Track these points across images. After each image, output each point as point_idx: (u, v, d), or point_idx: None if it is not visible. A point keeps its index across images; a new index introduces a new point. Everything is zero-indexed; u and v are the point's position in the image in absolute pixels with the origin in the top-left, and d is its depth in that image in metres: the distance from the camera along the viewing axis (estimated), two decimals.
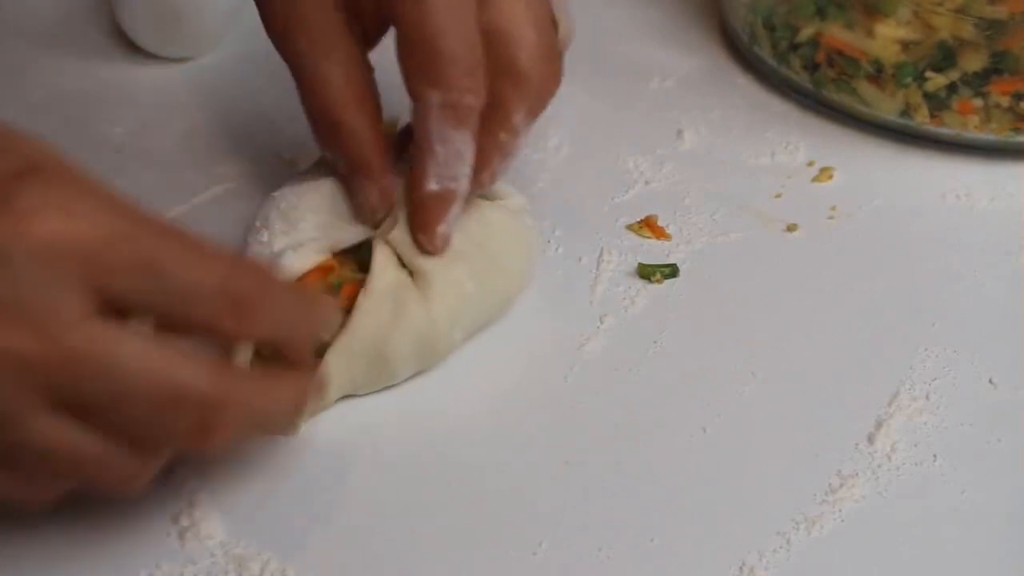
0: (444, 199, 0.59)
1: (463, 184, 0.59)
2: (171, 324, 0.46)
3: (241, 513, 0.54)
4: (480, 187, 0.60)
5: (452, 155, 0.58)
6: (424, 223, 0.59)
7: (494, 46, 0.58)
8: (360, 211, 0.60)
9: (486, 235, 0.61)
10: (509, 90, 0.59)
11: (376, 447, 0.57)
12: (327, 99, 0.60)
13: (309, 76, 0.60)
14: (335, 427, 0.58)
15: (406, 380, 0.60)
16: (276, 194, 0.62)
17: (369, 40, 0.61)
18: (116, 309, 0.45)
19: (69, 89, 0.76)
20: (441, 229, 0.59)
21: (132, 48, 0.78)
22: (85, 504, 0.54)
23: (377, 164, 0.60)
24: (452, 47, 0.56)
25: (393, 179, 0.60)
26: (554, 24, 0.61)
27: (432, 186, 0.58)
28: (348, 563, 0.53)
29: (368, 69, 0.61)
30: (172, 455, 0.49)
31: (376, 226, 0.60)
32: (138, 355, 0.45)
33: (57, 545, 0.53)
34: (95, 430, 0.46)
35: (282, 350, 0.51)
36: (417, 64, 0.57)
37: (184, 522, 0.54)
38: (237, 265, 0.48)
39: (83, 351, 0.44)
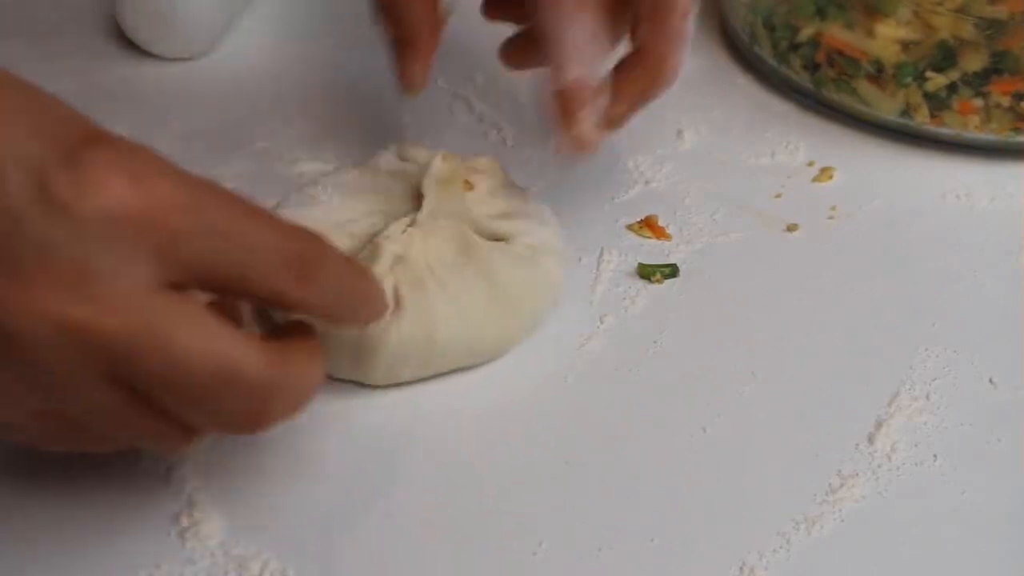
0: (581, 86, 0.58)
1: (595, 68, 0.59)
2: (233, 291, 0.46)
3: (241, 513, 0.54)
4: (665, 83, 0.60)
5: (585, 39, 0.58)
6: (565, 112, 0.59)
7: None
8: (401, 82, 0.63)
9: (497, 278, 0.60)
10: None
11: (375, 447, 0.57)
12: None
13: None
14: (334, 427, 0.58)
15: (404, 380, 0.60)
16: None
17: None
18: (178, 282, 0.44)
19: (69, 89, 0.75)
20: (581, 116, 0.58)
21: (132, 48, 0.78)
22: (85, 504, 0.54)
23: (424, 41, 0.62)
24: None
25: (429, 62, 0.62)
26: None
27: (569, 73, 0.58)
28: (348, 563, 0.53)
29: None
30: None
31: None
32: (197, 334, 0.44)
33: (57, 545, 0.53)
34: (148, 406, 0.45)
35: (334, 320, 0.50)
36: None
37: (184, 522, 0.54)
38: (297, 229, 0.48)
39: (142, 326, 0.43)
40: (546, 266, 0.61)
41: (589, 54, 0.58)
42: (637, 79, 0.60)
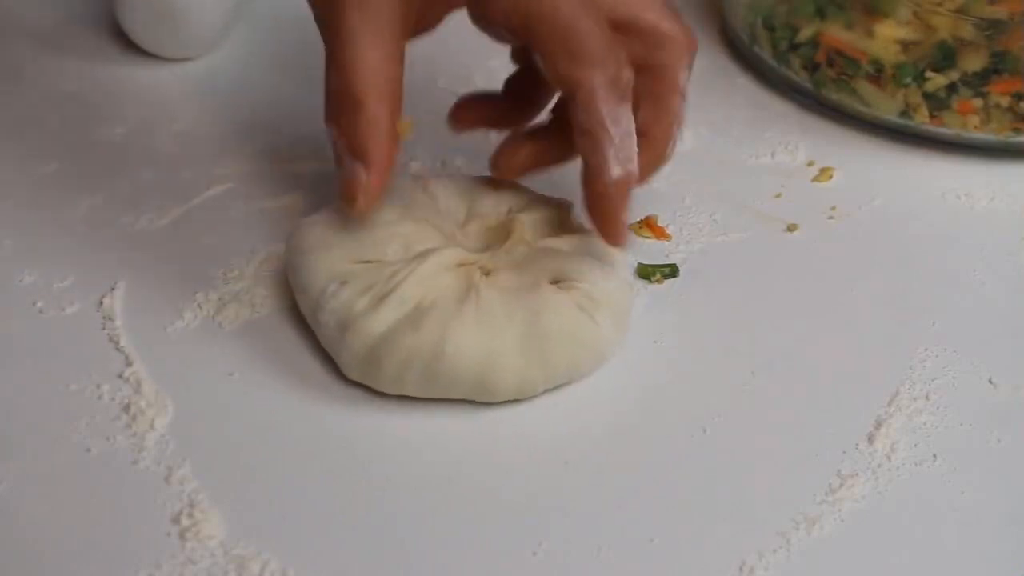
0: (625, 184, 0.59)
1: (636, 163, 0.59)
2: None
3: (241, 513, 0.54)
4: (664, 161, 0.61)
5: (625, 134, 0.58)
6: (610, 212, 0.59)
7: (634, 28, 0.60)
8: (342, 195, 0.59)
9: (539, 324, 0.58)
10: (665, 56, 0.60)
11: (375, 448, 0.57)
12: (356, 79, 0.58)
13: (347, 51, 0.58)
14: (334, 428, 0.58)
15: None
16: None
17: (414, 33, 0.61)
18: None
19: (69, 89, 0.76)
20: (624, 217, 0.59)
21: (132, 48, 0.78)
22: (85, 504, 0.54)
23: (380, 157, 0.59)
24: (593, 28, 0.57)
25: (385, 180, 0.59)
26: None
27: (616, 171, 0.58)
28: (348, 563, 0.53)
29: (402, 64, 0.60)
30: None
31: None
32: None
33: (57, 545, 0.53)
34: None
35: None
36: (569, 53, 0.57)
37: (184, 522, 0.54)
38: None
39: None
40: (600, 324, 0.59)
41: (629, 150, 0.59)
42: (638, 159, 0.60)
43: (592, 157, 0.58)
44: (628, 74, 0.58)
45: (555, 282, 0.59)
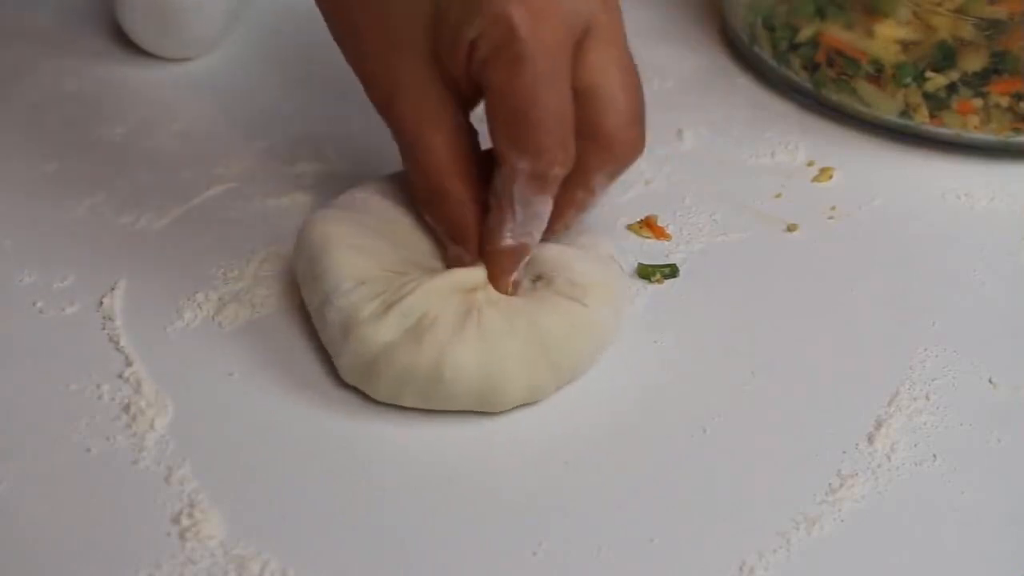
0: (517, 252, 0.59)
1: (536, 238, 0.59)
2: None
3: (241, 513, 0.54)
4: (551, 235, 0.61)
5: (531, 216, 0.58)
6: (497, 275, 0.59)
7: (582, 106, 0.58)
8: (451, 264, 0.60)
9: (538, 325, 0.58)
10: (592, 152, 0.58)
11: (375, 448, 0.57)
12: (430, 167, 0.59)
13: (413, 144, 0.60)
14: (334, 428, 0.58)
15: None
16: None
17: (469, 102, 0.60)
18: None
19: (69, 89, 0.76)
20: (512, 279, 0.59)
21: (132, 48, 0.78)
22: (85, 504, 0.54)
23: (474, 234, 0.60)
24: (544, 119, 0.56)
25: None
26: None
27: (507, 241, 0.59)
28: (348, 563, 0.53)
29: (471, 133, 0.60)
30: None
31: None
32: None
33: (57, 545, 0.53)
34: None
35: None
36: (508, 131, 0.57)
37: (184, 522, 0.54)
38: None
39: None
40: (590, 305, 0.59)
41: (531, 227, 0.59)
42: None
43: (492, 219, 0.59)
44: (558, 172, 0.57)
45: (536, 279, 0.60)
